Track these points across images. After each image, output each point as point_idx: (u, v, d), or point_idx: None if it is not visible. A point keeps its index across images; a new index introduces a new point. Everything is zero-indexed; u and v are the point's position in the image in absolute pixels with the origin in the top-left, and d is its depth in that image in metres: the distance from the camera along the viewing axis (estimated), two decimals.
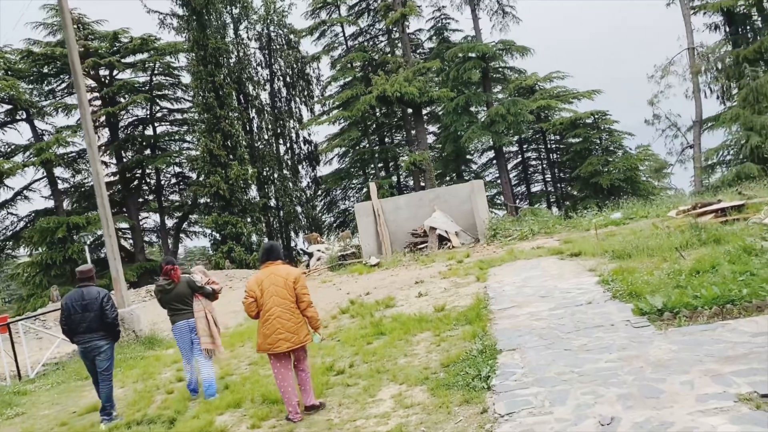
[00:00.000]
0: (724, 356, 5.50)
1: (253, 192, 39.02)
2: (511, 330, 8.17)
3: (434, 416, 5.71)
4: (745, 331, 6.11)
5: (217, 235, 35.40)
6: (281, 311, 6.37)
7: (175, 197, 41.03)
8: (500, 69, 40.56)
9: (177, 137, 40.59)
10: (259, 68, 43.16)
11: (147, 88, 37.98)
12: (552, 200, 43.02)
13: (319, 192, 44.29)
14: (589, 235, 17.13)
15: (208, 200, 35.87)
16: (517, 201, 41.28)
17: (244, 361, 9.94)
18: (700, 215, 14.75)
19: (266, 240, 35.95)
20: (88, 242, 26.99)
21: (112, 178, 38.16)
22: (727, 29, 31.66)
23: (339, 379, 7.62)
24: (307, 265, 22.96)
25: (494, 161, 40.96)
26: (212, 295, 8.31)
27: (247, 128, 40.98)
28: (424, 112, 38.83)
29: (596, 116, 37.42)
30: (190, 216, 40.24)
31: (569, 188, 42.00)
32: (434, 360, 7.58)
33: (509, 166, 42.58)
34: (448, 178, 40.96)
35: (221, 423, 6.80)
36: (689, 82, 31.09)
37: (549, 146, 42.97)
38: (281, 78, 43.44)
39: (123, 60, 36.94)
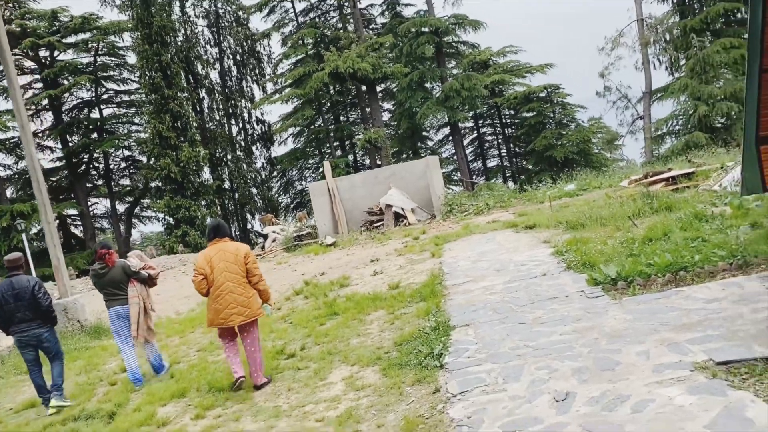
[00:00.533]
0: (679, 324, 5.40)
1: (206, 174, 38.11)
2: (466, 305, 8.00)
3: (385, 398, 5.48)
4: (699, 297, 6.04)
5: (171, 219, 34.46)
6: (233, 286, 6.50)
7: (126, 182, 39.80)
8: (454, 44, 40.27)
9: (125, 119, 39.29)
10: (207, 47, 41.96)
11: (91, 69, 36.50)
12: (508, 175, 43.30)
13: (275, 173, 43.54)
14: (544, 207, 17.17)
15: (160, 184, 34.84)
16: (474, 176, 41.40)
17: (194, 347, 9.53)
18: (652, 184, 14.88)
19: (209, 221, 35.07)
20: (23, 228, 25.77)
21: (57, 163, 36.69)
22: (675, 0, 32.05)
23: (289, 363, 7.32)
24: (263, 247, 22.48)
25: (450, 137, 40.91)
26: (148, 281, 8.09)
27: (198, 109, 39.87)
28: (379, 88, 38.38)
29: (549, 90, 37.61)
30: (142, 200, 39.12)
31: (524, 162, 42.30)
32: (387, 339, 7.34)
33: (465, 142, 42.58)
34: (404, 156, 40.70)
35: (164, 415, 6.44)
36: (639, 53, 31.51)
37: (504, 121, 43.10)
38: (231, 56, 42.33)
39: (64, 40, 35.32)
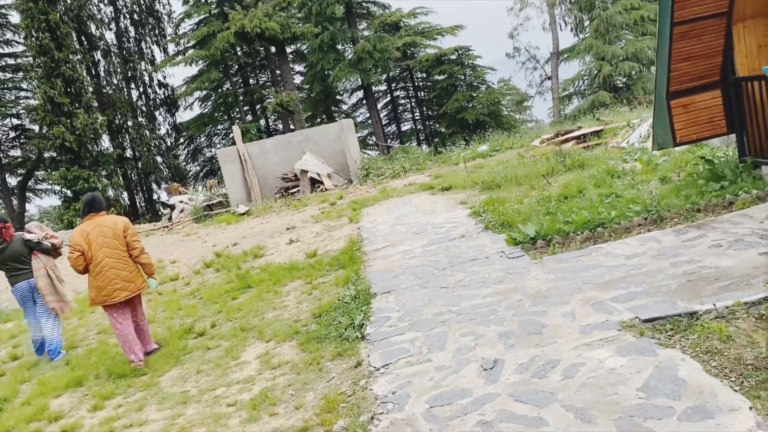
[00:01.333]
0: (602, 282, 5.32)
1: (106, 143, 35.60)
2: (386, 271, 7.71)
3: (304, 375, 5.11)
4: (619, 253, 6.01)
5: (68, 191, 32.08)
6: (114, 261, 6.33)
7: (17, 153, 36.67)
8: (364, 4, 39.40)
9: (11, 85, 35.95)
10: (101, 5, 38.82)
11: None
12: (422, 138, 43.38)
13: (181, 140, 41.43)
14: (459, 168, 17.15)
15: (54, 154, 32.23)
16: (389, 140, 41.17)
17: (93, 329, 8.77)
18: (563, 143, 15.11)
19: (111, 193, 33.01)
20: None
21: None
22: None
23: (199, 342, 6.80)
24: (170, 218, 21.32)
25: (364, 101, 40.32)
26: (52, 251, 7.65)
27: (93, 72, 37.06)
28: (289, 50, 37.07)
29: (460, 52, 37.64)
30: (36, 173, 36.24)
31: (437, 125, 42.45)
32: (305, 311, 6.95)
33: (379, 106, 42.15)
34: (318, 120, 39.77)
35: (57, 407, 5.80)
36: (546, 14, 31.97)
37: (416, 84, 42.94)
38: (127, 16, 39.45)
39: None
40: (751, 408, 3.09)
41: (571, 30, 32.79)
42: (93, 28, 37.74)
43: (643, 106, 21.74)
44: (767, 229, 5.65)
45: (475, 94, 37.00)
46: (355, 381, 4.69)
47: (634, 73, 28.78)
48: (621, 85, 30.07)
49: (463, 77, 38.22)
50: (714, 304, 4.25)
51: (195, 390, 5.47)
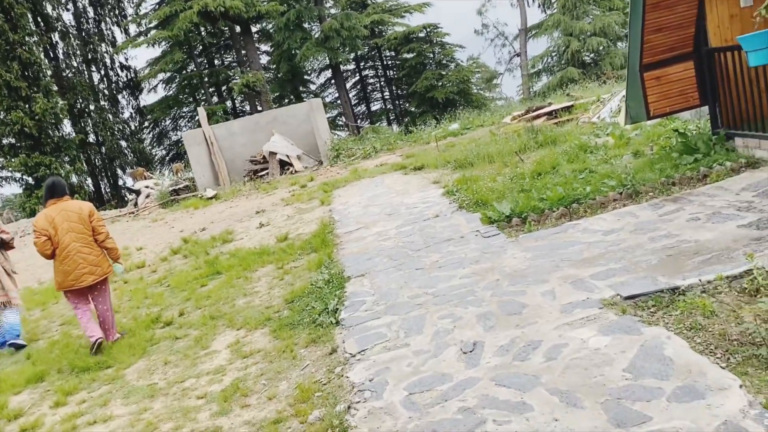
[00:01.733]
0: (581, 259, 5.20)
1: (68, 128, 34.55)
2: (359, 254, 7.53)
3: (277, 364, 4.91)
4: (596, 229, 5.90)
5: (30, 178, 31.10)
6: (81, 246, 6.31)
7: None
8: None
9: None
10: None
11: None
12: (392, 117, 43.05)
13: (146, 123, 40.38)
14: (430, 148, 16.98)
15: (13, 140, 31.16)
16: (359, 120, 40.76)
17: (56, 321, 8.44)
18: (534, 119, 15.01)
19: (74, 179, 32.11)
20: None
21: None
22: None
23: (166, 332, 6.54)
24: (135, 204, 20.77)
25: (333, 81, 39.78)
26: (3, 246, 7.54)
27: (51, 55, 35.78)
28: (254, 29, 36.22)
29: (428, 30, 37.28)
30: None
31: (407, 104, 42.13)
32: (277, 297, 6.74)
33: (348, 86, 41.62)
34: (286, 101, 39.09)
35: (17, 405, 5.50)
36: None
37: (385, 63, 42.47)
38: None
39: None
40: (741, 386, 2.99)
41: (539, 6, 32.71)
42: (49, 8, 36.33)
43: (612, 81, 21.79)
44: (744, 201, 5.59)
45: (444, 73, 36.75)
46: (331, 368, 4.52)
47: (602, 48, 28.85)
48: (589, 61, 30.14)
49: (432, 55, 37.91)
50: (699, 279, 4.15)
51: (163, 382, 5.23)
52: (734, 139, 7.34)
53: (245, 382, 4.72)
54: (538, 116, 15.25)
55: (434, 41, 37.94)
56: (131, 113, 40.37)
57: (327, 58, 35.28)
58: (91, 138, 37.21)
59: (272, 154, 19.87)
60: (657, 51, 7.47)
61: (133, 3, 38.55)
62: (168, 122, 40.49)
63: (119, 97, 39.56)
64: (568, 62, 28.67)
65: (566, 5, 28.83)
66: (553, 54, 31.02)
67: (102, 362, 6.05)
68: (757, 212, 5.22)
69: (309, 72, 40.78)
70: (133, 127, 40.02)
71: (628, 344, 3.59)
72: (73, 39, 37.26)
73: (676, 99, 7.75)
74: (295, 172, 19.39)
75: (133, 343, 6.37)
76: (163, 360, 5.73)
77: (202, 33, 35.89)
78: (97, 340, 6.21)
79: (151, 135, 41.25)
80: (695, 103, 7.85)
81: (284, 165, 19.97)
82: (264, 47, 40.75)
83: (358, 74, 43.10)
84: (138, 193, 21.02)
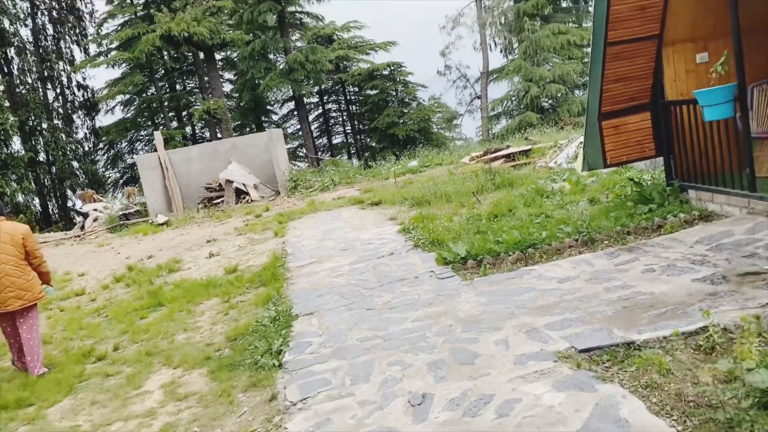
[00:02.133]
0: (536, 306, 5.07)
1: (17, 145, 33.32)
2: (310, 290, 7.25)
3: (212, 409, 4.58)
4: (552, 276, 5.80)
5: None
6: (10, 269, 6.09)
7: None
8: (297, 14, 38.85)
9: None
10: (17, 0, 36.54)
11: None
12: (353, 151, 43.07)
13: (101, 145, 39.36)
14: (389, 183, 16.90)
15: None
16: (320, 153, 40.63)
17: None
18: (492, 161, 15.10)
19: (20, 198, 31.01)
20: None
21: None
22: None
23: (98, 368, 6.10)
24: (82, 227, 19.98)
25: (295, 112, 39.64)
26: None
27: (5, 70, 34.74)
28: (218, 57, 35.97)
29: (392, 68, 37.69)
30: None
31: (368, 139, 42.27)
32: (219, 333, 6.39)
33: (311, 118, 41.58)
34: (247, 130, 38.72)
35: None
36: (478, 33, 32.45)
37: (348, 98, 42.67)
38: (46, 12, 37.26)
39: None
40: None
41: (501, 51, 33.50)
42: (7, 23, 35.44)
43: (569, 127, 22.25)
44: (698, 254, 5.58)
45: (406, 110, 37.07)
46: (269, 417, 4.21)
47: (560, 95, 29.61)
48: (548, 107, 30.86)
49: (394, 93, 38.27)
50: (656, 335, 4.04)
51: (87, 424, 4.82)
52: (688, 191, 7.42)
53: (176, 428, 4.37)
54: (496, 158, 15.37)
55: (398, 79, 38.34)
56: (86, 133, 39.31)
57: (291, 90, 35.21)
58: (42, 157, 35.99)
59: (228, 182, 19.48)
60: (616, 100, 7.55)
61: (94, 23, 37.93)
62: (124, 145, 39.57)
63: (74, 116, 38.54)
64: (528, 107, 29.28)
65: (527, 51, 29.60)
66: (513, 98, 31.69)
67: (23, 399, 5.57)
68: (711, 266, 5.20)
69: (272, 102, 40.63)
70: (86, 148, 38.92)
71: (583, 402, 3.42)
72: (29, 55, 36.29)
73: (633, 149, 7.82)
74: (252, 201, 19.02)
75: (60, 379, 5.91)
76: (90, 399, 5.31)
77: (165, 57, 35.45)
78: (14, 362, 6.32)
79: (105, 157, 40.19)
80: (651, 153, 7.94)
81: (240, 194, 19.59)
82: (228, 75, 40.52)
83: (321, 107, 43.14)
84: (86, 215, 20.25)
